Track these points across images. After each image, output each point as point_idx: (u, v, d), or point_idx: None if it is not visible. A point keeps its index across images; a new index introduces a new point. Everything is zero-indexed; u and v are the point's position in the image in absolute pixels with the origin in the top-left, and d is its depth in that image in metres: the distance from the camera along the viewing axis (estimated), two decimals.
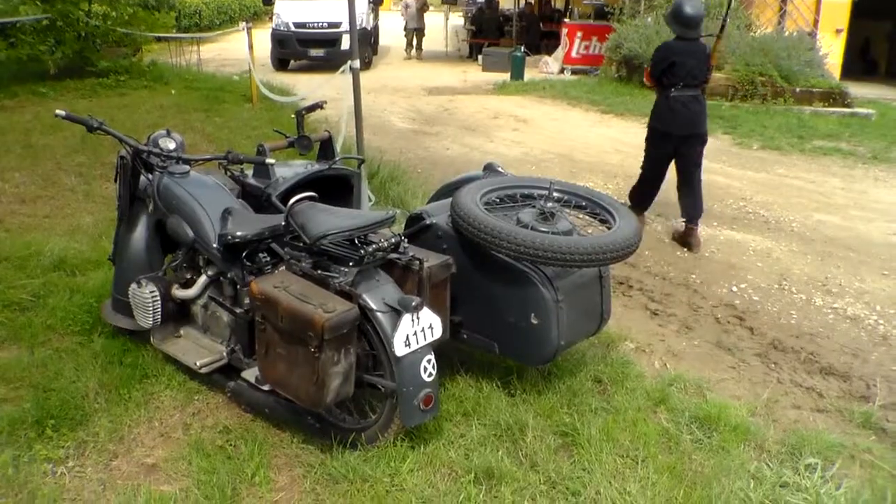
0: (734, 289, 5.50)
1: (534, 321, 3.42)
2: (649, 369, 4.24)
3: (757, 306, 5.23)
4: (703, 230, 6.66)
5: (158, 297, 3.70)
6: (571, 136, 10.31)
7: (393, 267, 3.30)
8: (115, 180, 4.05)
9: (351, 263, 3.11)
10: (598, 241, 3.31)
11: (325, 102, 4.89)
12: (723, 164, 9.16)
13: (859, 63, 18.57)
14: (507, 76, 16.24)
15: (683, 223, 6.46)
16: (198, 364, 3.59)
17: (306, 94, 11.74)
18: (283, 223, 3.32)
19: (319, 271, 3.14)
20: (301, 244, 3.24)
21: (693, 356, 4.49)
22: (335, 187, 4.42)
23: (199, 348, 3.79)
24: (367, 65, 17.47)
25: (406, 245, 3.34)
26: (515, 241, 3.25)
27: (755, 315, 5.09)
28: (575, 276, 3.55)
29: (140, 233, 4.02)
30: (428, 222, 3.68)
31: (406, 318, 3.01)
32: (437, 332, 3.15)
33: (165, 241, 3.98)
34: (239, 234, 3.41)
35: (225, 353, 3.67)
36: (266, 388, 3.36)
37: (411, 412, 3.09)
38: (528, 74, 16.16)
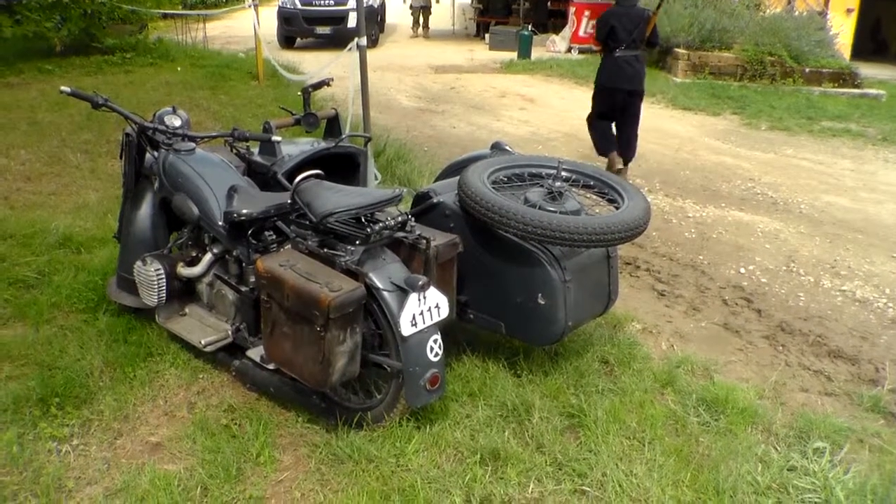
0: (742, 270, 5.46)
1: (541, 301, 3.40)
2: (656, 351, 4.21)
3: (765, 288, 5.19)
4: (710, 211, 6.62)
5: (164, 275, 3.68)
6: (578, 114, 10.17)
7: (399, 246, 3.27)
8: (121, 157, 4.03)
9: (357, 242, 3.08)
10: (607, 221, 3.28)
11: (332, 79, 4.85)
12: (731, 145, 9.10)
13: (869, 43, 18.39)
14: (513, 55, 16.11)
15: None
16: (202, 342, 3.58)
17: (313, 73, 11.70)
18: (289, 201, 3.29)
19: (326, 250, 3.11)
20: (307, 222, 3.21)
21: (700, 338, 4.46)
22: (341, 165, 4.39)
23: (203, 326, 3.77)
24: (373, 43, 17.36)
25: (413, 223, 3.30)
26: (523, 220, 3.22)
27: (763, 297, 5.06)
28: (582, 257, 3.51)
29: (145, 210, 4.00)
30: (435, 201, 3.64)
31: (412, 297, 2.98)
32: (444, 312, 3.13)
33: (171, 218, 3.97)
34: (244, 211, 3.38)
35: (230, 332, 3.65)
36: (271, 366, 3.34)
37: (417, 392, 3.07)
38: (536, 53, 16.02)
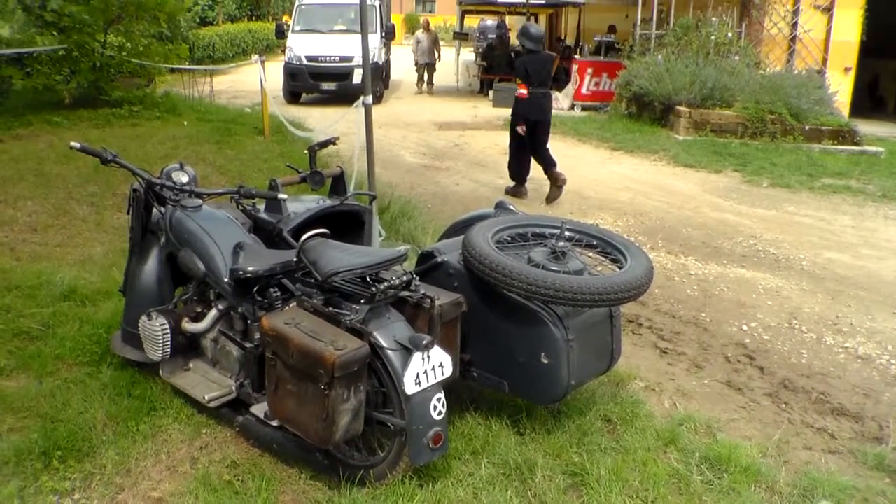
0: (744, 327, 5.48)
1: (544, 360, 3.42)
2: (659, 409, 4.21)
3: (767, 345, 5.21)
4: (712, 268, 6.66)
5: (168, 330, 3.71)
6: (581, 172, 10.34)
7: (404, 304, 3.30)
8: (128, 212, 4.09)
9: (362, 301, 3.12)
10: (610, 281, 3.31)
11: (338, 138, 4.93)
12: (733, 202, 9.18)
13: (868, 101, 18.62)
14: None
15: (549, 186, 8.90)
16: (206, 398, 3.60)
17: (320, 129, 11.85)
18: (294, 259, 3.34)
19: (331, 308, 3.15)
20: (312, 280, 3.25)
21: (703, 395, 4.46)
22: (346, 223, 4.44)
23: (207, 382, 3.79)
24: (378, 99, 17.60)
25: (417, 283, 3.34)
26: (527, 280, 3.25)
27: (765, 354, 5.07)
28: (586, 316, 3.55)
29: (151, 265, 4.05)
30: (439, 260, 3.69)
31: (417, 356, 3.01)
32: (448, 371, 3.15)
33: (176, 274, 4.01)
34: (250, 269, 3.43)
35: (234, 388, 3.67)
36: (275, 423, 3.35)
37: (420, 450, 3.08)
38: None
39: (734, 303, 5.95)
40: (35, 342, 4.53)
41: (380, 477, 3.22)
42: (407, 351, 3.03)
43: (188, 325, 3.79)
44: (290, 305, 3.36)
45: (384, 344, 3.02)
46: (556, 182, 8.81)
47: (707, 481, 3.49)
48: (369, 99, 5.72)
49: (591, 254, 3.81)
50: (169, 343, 3.73)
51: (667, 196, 9.36)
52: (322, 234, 3.35)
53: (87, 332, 4.56)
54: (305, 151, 4.75)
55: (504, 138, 13.37)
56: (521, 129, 8.82)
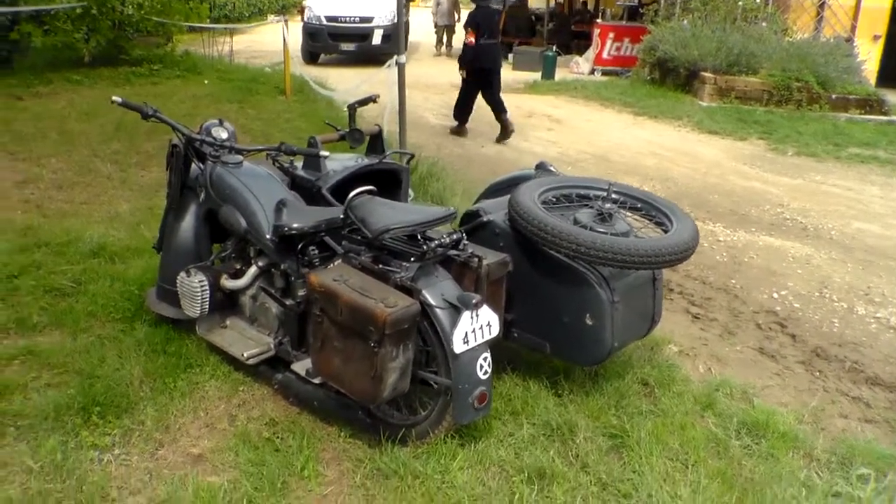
0: (775, 295, 5.46)
1: (589, 322, 3.41)
2: (694, 373, 4.22)
3: (798, 313, 5.19)
4: (741, 236, 6.62)
5: (207, 287, 3.71)
6: (606, 137, 10.27)
7: (451, 263, 3.29)
8: (167, 168, 4.07)
9: (412, 259, 3.11)
10: (658, 244, 3.30)
11: (378, 96, 4.88)
12: (758, 170, 9.10)
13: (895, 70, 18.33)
14: (537, 75, 16.18)
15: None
16: (245, 355, 3.60)
17: (343, 89, 11.79)
18: (341, 216, 3.33)
19: (380, 265, 3.14)
20: (360, 238, 3.24)
21: (737, 361, 4.46)
22: (383, 181, 4.42)
23: (245, 339, 3.80)
24: None
25: (466, 241, 3.33)
26: (575, 240, 3.24)
27: (797, 322, 5.05)
28: (630, 278, 3.53)
29: (189, 222, 4.04)
30: (485, 219, 3.67)
31: (466, 315, 3.00)
32: (495, 330, 3.15)
33: (213, 230, 4.01)
34: (295, 225, 3.42)
35: (272, 345, 3.68)
36: (317, 381, 3.36)
37: (465, 410, 3.08)
38: (559, 74, 16.10)
39: (764, 270, 5.92)
40: (66, 299, 4.54)
41: (421, 436, 3.24)
42: (455, 309, 3.02)
43: (227, 282, 3.79)
44: (337, 262, 3.35)
45: (433, 302, 3.02)
46: (505, 129, 9.87)
47: (745, 446, 3.49)
48: (403, 58, 5.67)
49: (634, 216, 3.78)
50: (207, 300, 3.73)
51: (692, 162, 9.29)
52: (369, 192, 3.33)
53: (119, 289, 4.58)
54: (345, 109, 4.72)
55: (526, 101, 13.44)
56: (462, 73, 9.92)
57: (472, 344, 3.04)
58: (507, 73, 16.93)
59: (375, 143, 4.54)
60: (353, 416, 3.34)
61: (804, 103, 12.28)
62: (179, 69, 12.73)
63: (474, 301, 2.99)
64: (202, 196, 3.88)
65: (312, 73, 13.20)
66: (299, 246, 3.49)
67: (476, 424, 3.37)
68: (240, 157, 3.89)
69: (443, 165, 7.73)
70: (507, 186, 4.25)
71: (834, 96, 12.37)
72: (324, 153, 3.93)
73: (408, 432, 3.26)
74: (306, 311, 3.51)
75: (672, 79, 13.91)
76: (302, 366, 3.48)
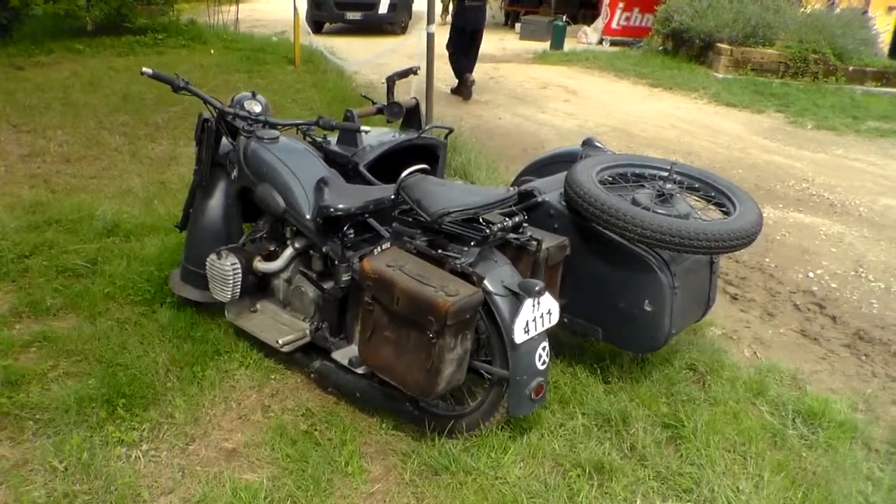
0: (810, 275, 5.33)
1: (647, 308, 3.27)
2: (739, 357, 4.09)
3: (836, 294, 5.06)
4: (770, 212, 6.47)
5: (240, 270, 3.55)
6: (624, 109, 10.08)
7: (506, 247, 3.13)
8: (197, 143, 3.88)
9: (472, 243, 2.95)
10: (726, 228, 3.14)
11: (418, 67, 4.70)
12: (779, 144, 8.93)
13: None
14: (545, 45, 15.89)
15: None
16: (280, 342, 3.46)
17: (352, 60, 11.57)
18: (391, 196, 3.17)
19: (439, 250, 2.98)
20: (412, 220, 3.08)
21: (781, 345, 4.33)
22: (420, 157, 4.25)
23: (278, 325, 3.65)
24: (403, 29, 17.17)
25: (526, 224, 3.17)
26: (642, 224, 3.07)
27: (835, 303, 4.93)
28: (688, 261, 3.38)
29: (218, 200, 3.88)
30: (539, 199, 3.49)
31: (528, 303, 2.85)
32: (555, 318, 3.00)
33: (244, 210, 3.84)
34: (341, 206, 3.25)
35: (308, 331, 3.53)
36: (361, 370, 3.22)
37: (522, 401, 2.95)
38: (567, 44, 15.82)
39: (797, 249, 5.78)
40: (81, 280, 4.37)
41: (471, 427, 3.11)
42: (517, 297, 2.87)
43: (260, 265, 3.63)
44: (385, 247, 3.20)
45: (493, 289, 2.87)
46: (462, 86, 10.40)
47: (802, 436, 3.38)
48: (432, 28, 5.49)
49: (693, 197, 3.62)
50: (240, 283, 3.58)
51: (713, 136, 9.11)
52: (422, 171, 3.17)
53: (137, 270, 4.39)
54: (382, 82, 4.53)
55: (539, 71, 13.21)
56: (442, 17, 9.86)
57: (532, 333, 2.90)
58: (514, 43, 16.79)
59: (412, 116, 4.36)
60: (399, 408, 3.20)
61: (820, 75, 12.08)
62: (184, 38, 12.49)
63: (537, 288, 2.84)
64: (234, 173, 3.71)
65: (318, 42, 12.95)
66: (345, 228, 3.33)
67: (526, 415, 3.23)
68: (276, 133, 3.71)
69: (464, 139, 7.54)
70: (551, 163, 4.12)
71: (851, 68, 12.17)
72: (365, 128, 3.76)
73: (456, 424, 3.13)
74: (348, 296, 3.37)
75: (686, 50, 13.68)
76: (343, 354, 3.33)
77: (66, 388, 3.34)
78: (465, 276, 2.88)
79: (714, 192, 3.53)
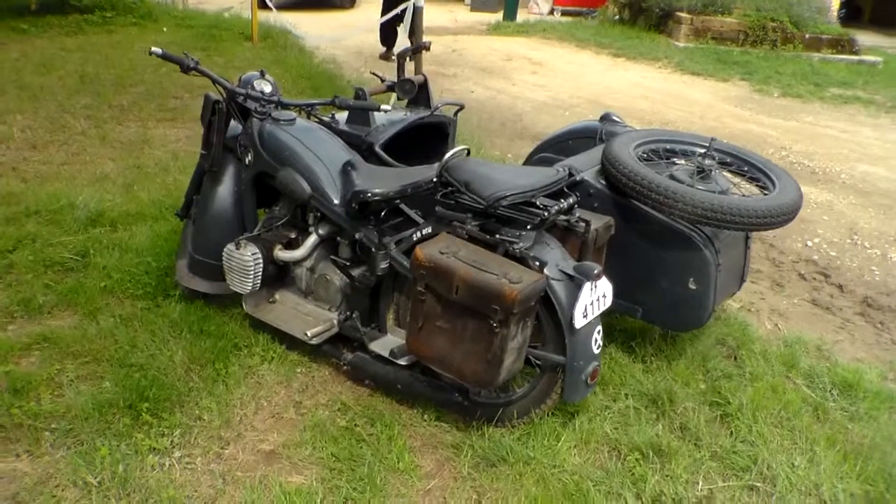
0: (809, 243, 5.35)
1: (692, 286, 3.19)
2: (762, 330, 4.07)
3: (836, 262, 5.09)
4: None
5: (261, 260, 3.38)
6: (592, 80, 10.04)
7: (551, 228, 3.02)
8: (205, 126, 3.66)
9: (529, 227, 2.83)
10: (773, 203, 3.08)
11: (430, 42, 4.53)
12: (751, 112, 8.99)
13: (844, 9, 18.46)
14: (498, 16, 15.77)
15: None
16: (309, 334, 3.30)
17: (313, 34, 11.26)
18: (434, 179, 3.03)
19: (497, 235, 2.85)
20: (455, 202, 2.94)
21: (797, 315, 4.33)
22: (429, 135, 4.12)
23: (301, 316, 3.49)
24: (351, 3, 16.83)
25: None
26: (691, 202, 3.00)
27: (838, 271, 4.96)
28: (729, 237, 3.32)
29: (228, 187, 3.68)
30: (578, 178, 3.38)
31: (586, 287, 2.75)
32: (609, 301, 2.92)
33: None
34: (378, 191, 3.10)
35: (335, 321, 3.39)
36: (403, 361, 3.09)
37: (577, 387, 2.87)
38: (519, 15, 15.71)
39: None
40: (72, 274, 4.11)
41: (521, 415, 3.02)
42: (573, 281, 2.77)
43: (282, 253, 3.46)
44: (429, 231, 3.06)
45: (550, 274, 2.76)
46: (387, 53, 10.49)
47: (843, 409, 3.37)
48: (421, 1, 5.29)
49: (726, 173, 3.55)
50: (260, 274, 3.40)
51: (685, 105, 9.13)
52: (466, 151, 3.04)
53: (132, 261, 4.15)
54: (393, 59, 4.37)
55: (498, 43, 13.07)
56: None
57: (589, 317, 2.81)
58: (465, 15, 16.63)
59: (420, 93, 4.21)
60: (446, 399, 3.08)
61: (779, 43, 12.23)
62: (134, 16, 11.99)
63: (595, 272, 2.74)
64: (249, 157, 3.51)
65: (271, 18, 12.57)
66: (382, 213, 3.18)
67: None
68: (293, 114, 3.53)
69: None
70: (569, 139, 4.02)
71: (807, 36, 12.34)
72: (385, 107, 3.59)
73: (505, 412, 3.02)
74: (381, 284, 3.24)
75: (644, 19, 13.70)
76: (381, 345, 3.20)
77: (81, 394, 3.12)
78: (520, 260, 2.77)
79: (750, 169, 3.47)
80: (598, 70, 11.01)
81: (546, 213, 2.83)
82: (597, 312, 2.84)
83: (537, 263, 2.74)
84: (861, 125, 8.73)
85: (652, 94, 9.54)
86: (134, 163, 6.02)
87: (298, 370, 3.44)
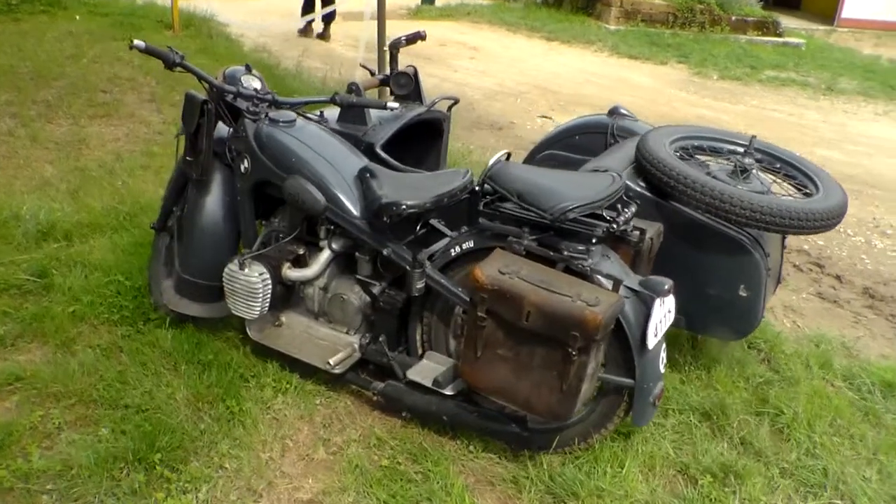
0: None
1: (743, 293, 2.99)
2: (780, 327, 3.94)
3: (826, 251, 5.04)
4: None
5: (269, 281, 3.01)
6: (532, 65, 9.85)
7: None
8: (189, 129, 3.20)
9: (594, 241, 2.56)
10: (822, 206, 2.91)
11: (425, 31, 4.18)
12: (697, 96, 8.98)
13: None
14: (416, 0, 15.37)
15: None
16: (331, 363, 2.96)
17: (238, 22, 10.72)
18: (477, 187, 2.73)
19: (564, 251, 2.57)
20: (498, 213, 2.66)
21: (810, 311, 4.23)
22: (422, 131, 3.81)
23: (315, 341, 3.14)
24: None
25: None
26: (748, 205, 2.80)
27: (830, 261, 4.90)
28: (770, 239, 3.13)
29: (218, 198, 3.27)
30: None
31: (657, 303, 2.51)
32: (673, 316, 2.68)
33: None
34: (412, 202, 2.76)
35: (356, 346, 3.07)
36: (449, 391, 2.78)
37: (645, 409, 2.63)
38: None
39: None
40: (32, 298, 3.60)
41: (582, 440, 2.77)
42: (641, 298, 2.53)
43: (291, 272, 3.09)
44: (470, 245, 2.76)
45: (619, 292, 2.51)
46: (323, 33, 10.57)
47: (891, 411, 3.25)
48: None
49: (761, 172, 3.36)
50: (269, 296, 3.03)
51: (632, 90, 9.04)
52: (507, 155, 2.76)
53: (100, 281, 3.67)
54: (385, 49, 4.01)
55: (428, 28, 12.58)
56: None
57: (659, 336, 2.57)
58: None
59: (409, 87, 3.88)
60: (500, 430, 2.78)
61: (707, 25, 12.33)
62: (42, 3, 11.09)
63: (666, 287, 2.51)
64: (245, 165, 3.11)
65: (188, 5, 11.89)
66: (418, 227, 2.87)
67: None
68: (292, 114, 3.15)
69: None
70: (579, 133, 3.79)
71: (734, 18, 12.49)
72: (392, 104, 3.25)
73: (561, 439, 2.76)
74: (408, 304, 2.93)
75: (570, 2, 13.59)
76: (420, 373, 2.86)
77: (76, 445, 2.68)
78: (583, 276, 2.51)
79: (789, 168, 3.31)
80: (535, 55, 10.82)
81: (614, 226, 2.57)
82: (664, 330, 2.60)
83: (611, 282, 2.47)
84: (804, 108, 8.82)
85: (596, 79, 9.42)
86: (74, 165, 5.45)
87: (317, 402, 3.08)
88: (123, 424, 2.79)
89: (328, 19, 10.60)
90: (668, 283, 2.51)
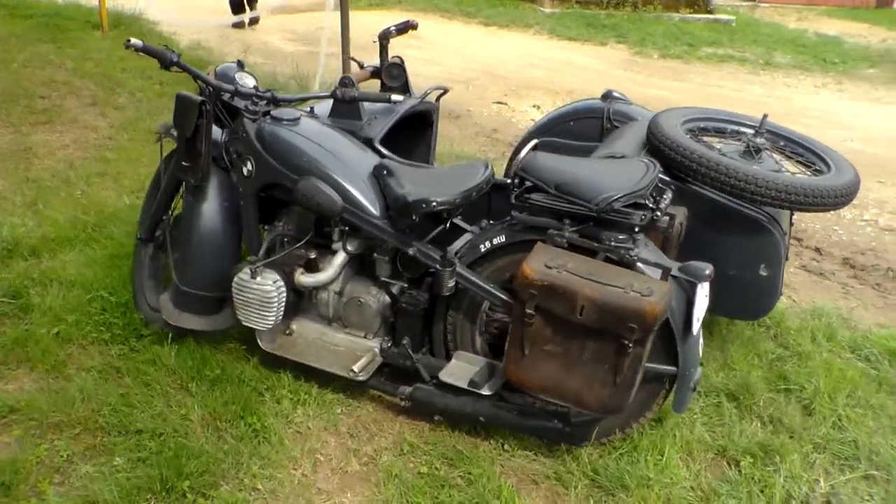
0: None
1: (763, 273, 3.00)
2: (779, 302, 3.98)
3: (801, 224, 5.09)
4: None
5: (284, 289, 2.89)
6: (476, 51, 9.78)
7: None
8: (192, 133, 3.02)
9: (636, 230, 2.51)
10: (836, 183, 2.93)
11: (416, 21, 4.06)
12: (643, 76, 9.05)
13: None
14: None
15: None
16: (355, 369, 2.87)
17: (164, 20, 10.38)
18: (510, 180, 2.66)
19: (609, 242, 2.50)
20: (531, 205, 2.60)
21: (800, 285, 4.29)
22: (411, 124, 3.71)
23: (331, 347, 3.04)
24: None
25: None
26: (766, 184, 2.79)
27: (807, 234, 4.98)
28: (782, 217, 3.15)
29: (217, 204, 3.11)
30: None
31: (700, 289, 2.48)
32: (707, 302, 2.66)
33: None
34: (441, 199, 2.67)
35: (376, 350, 2.98)
36: (486, 391, 2.71)
37: (686, 397, 2.60)
38: None
39: None
40: (9, 321, 3.38)
41: (622, 430, 2.74)
42: (681, 284, 2.50)
43: (305, 278, 2.97)
44: (502, 240, 2.69)
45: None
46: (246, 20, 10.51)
47: None
48: None
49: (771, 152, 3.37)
50: (283, 305, 2.92)
51: (578, 72, 9.04)
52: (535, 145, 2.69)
53: (81, 298, 3.49)
54: (374, 41, 3.89)
55: (363, 18, 12.42)
56: None
57: (700, 322, 2.55)
58: None
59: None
60: (541, 426, 2.73)
61: (639, 5, 12.47)
62: None
63: (707, 272, 2.48)
64: (248, 167, 2.95)
65: (116, 4, 11.45)
66: (447, 224, 2.78)
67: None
68: (295, 111, 3.02)
69: None
70: (573, 119, 3.76)
71: None
72: (396, 97, 3.14)
73: (599, 429, 2.73)
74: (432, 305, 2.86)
75: None
76: (452, 374, 2.78)
77: (92, 478, 2.52)
78: (628, 266, 2.47)
79: (799, 148, 3.33)
80: (476, 40, 10.74)
81: (657, 214, 2.53)
82: (703, 315, 2.58)
83: (659, 270, 2.44)
84: (748, 83, 8.98)
85: (540, 62, 9.38)
86: (25, 176, 5.15)
87: (338, 411, 2.97)
88: (139, 452, 2.65)
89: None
90: (708, 267, 2.48)
